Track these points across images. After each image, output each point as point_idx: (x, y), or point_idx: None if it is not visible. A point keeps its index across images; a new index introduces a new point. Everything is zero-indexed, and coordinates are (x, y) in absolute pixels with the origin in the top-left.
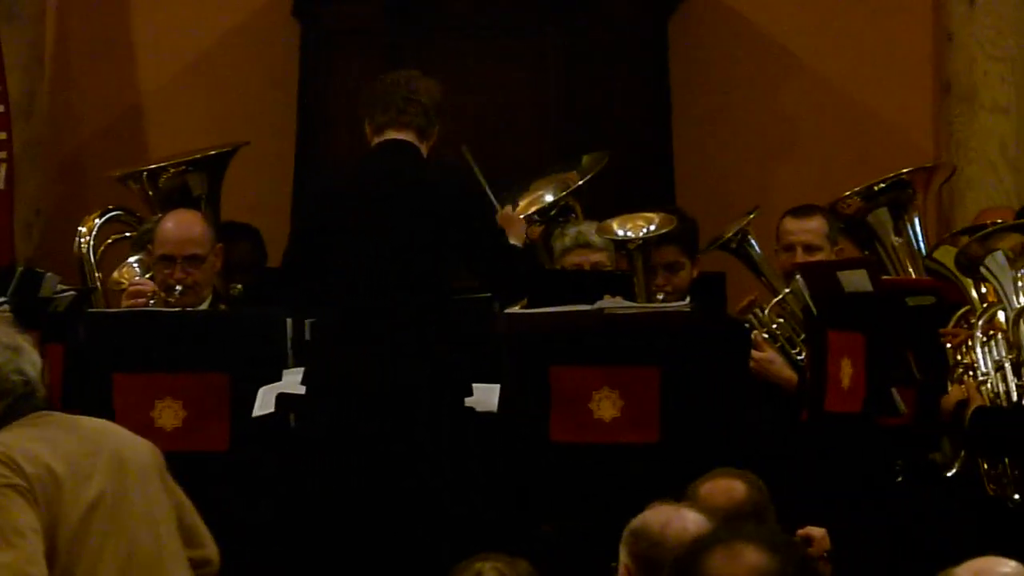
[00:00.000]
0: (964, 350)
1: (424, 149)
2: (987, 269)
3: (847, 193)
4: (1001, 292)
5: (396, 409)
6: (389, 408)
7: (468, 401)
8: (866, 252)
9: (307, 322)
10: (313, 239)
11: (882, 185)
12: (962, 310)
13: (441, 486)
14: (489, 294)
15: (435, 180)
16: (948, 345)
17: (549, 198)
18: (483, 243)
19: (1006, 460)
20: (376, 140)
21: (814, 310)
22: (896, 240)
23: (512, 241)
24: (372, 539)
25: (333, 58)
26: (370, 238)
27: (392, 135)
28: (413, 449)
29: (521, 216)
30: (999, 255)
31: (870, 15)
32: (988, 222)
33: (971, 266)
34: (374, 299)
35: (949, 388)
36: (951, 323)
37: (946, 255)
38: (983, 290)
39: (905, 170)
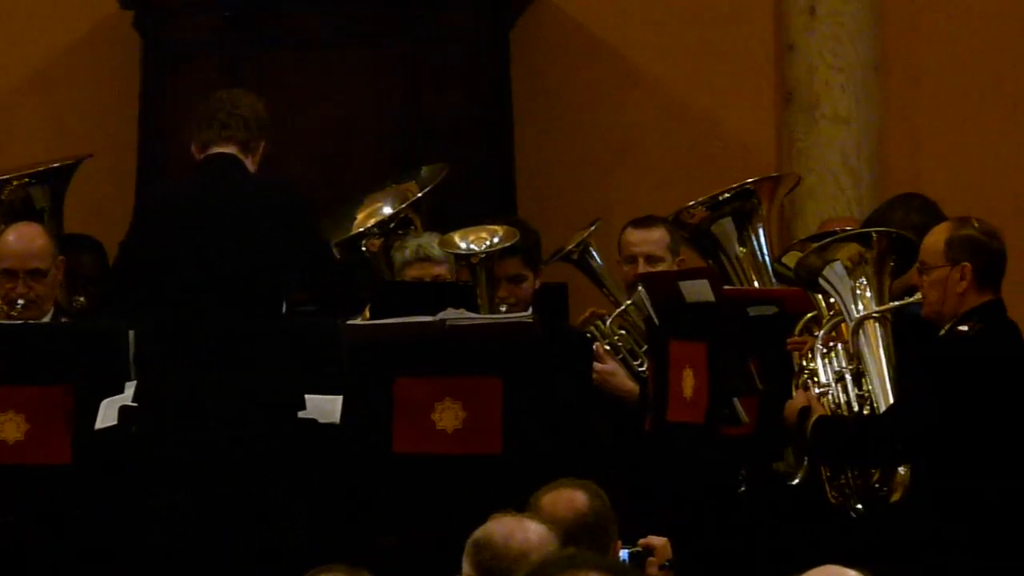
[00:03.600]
0: (809, 356)
1: (250, 163)
2: (826, 280)
3: (691, 203)
4: (841, 303)
5: (225, 422)
6: (218, 421)
7: (310, 412)
8: (710, 262)
9: (130, 334)
10: (138, 254)
11: (727, 195)
12: (808, 315)
13: (277, 499)
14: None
15: (258, 192)
16: (795, 352)
17: (388, 210)
18: (292, 258)
19: (848, 469)
20: (201, 156)
21: (656, 320)
22: (741, 250)
23: None
24: (212, 553)
25: (174, 71)
26: (184, 252)
27: (216, 149)
28: (245, 462)
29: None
30: (837, 265)
31: (711, 25)
32: (836, 229)
33: (810, 278)
34: (188, 313)
35: (794, 393)
36: (797, 328)
37: (795, 261)
38: (832, 299)
39: (750, 180)
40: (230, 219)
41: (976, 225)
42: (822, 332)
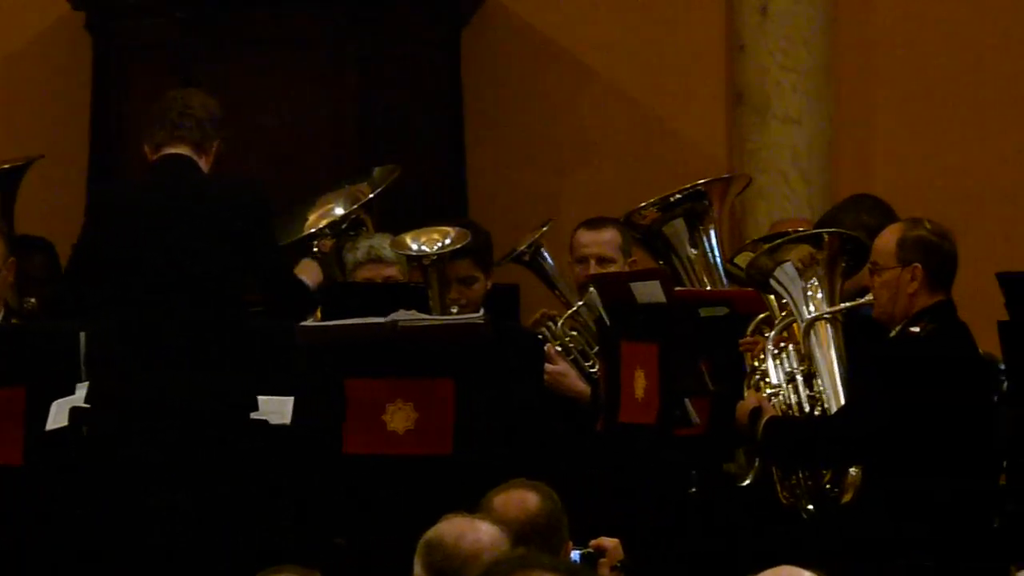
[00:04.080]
0: (761, 357)
1: (204, 164)
2: (777, 281)
3: (643, 204)
4: (792, 304)
5: (179, 423)
6: (172, 422)
7: (262, 413)
8: (662, 263)
9: (82, 335)
10: (97, 254)
11: (678, 196)
12: (760, 316)
13: (228, 499)
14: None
15: (214, 193)
16: (747, 352)
17: (340, 211)
18: (259, 258)
19: (799, 470)
20: (154, 157)
21: (607, 321)
22: (692, 251)
23: (304, 279)
24: (164, 554)
25: (126, 72)
26: (148, 252)
27: (169, 150)
28: (197, 463)
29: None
30: (788, 267)
31: (662, 25)
32: (787, 230)
33: (761, 279)
34: (153, 313)
35: (745, 394)
36: (749, 329)
37: (746, 261)
38: (783, 300)
39: (701, 181)
40: (199, 219)
41: (928, 226)
42: (773, 333)
